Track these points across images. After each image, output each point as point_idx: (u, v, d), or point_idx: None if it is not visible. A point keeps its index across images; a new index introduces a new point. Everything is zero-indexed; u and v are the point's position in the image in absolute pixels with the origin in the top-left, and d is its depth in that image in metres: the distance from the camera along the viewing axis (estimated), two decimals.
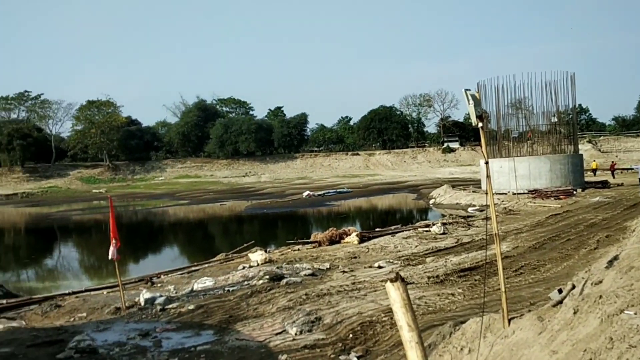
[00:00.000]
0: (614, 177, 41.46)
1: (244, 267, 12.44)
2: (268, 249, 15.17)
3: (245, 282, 10.74)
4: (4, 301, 11.17)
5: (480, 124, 5.55)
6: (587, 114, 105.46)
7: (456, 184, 48.92)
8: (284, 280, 10.36)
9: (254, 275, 11.04)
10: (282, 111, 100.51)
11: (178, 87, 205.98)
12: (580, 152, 36.04)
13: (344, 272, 11.29)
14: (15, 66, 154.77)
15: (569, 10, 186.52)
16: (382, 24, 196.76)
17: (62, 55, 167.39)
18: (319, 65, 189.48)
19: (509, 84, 32.32)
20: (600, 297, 4.69)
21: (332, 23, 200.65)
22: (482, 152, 5.50)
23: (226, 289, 10.43)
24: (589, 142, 79.19)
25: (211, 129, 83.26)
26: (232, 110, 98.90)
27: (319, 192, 44.61)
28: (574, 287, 8.63)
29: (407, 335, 3.01)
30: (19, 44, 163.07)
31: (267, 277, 10.47)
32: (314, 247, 14.76)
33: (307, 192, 43.86)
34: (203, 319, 8.95)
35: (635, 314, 3.80)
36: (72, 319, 9.87)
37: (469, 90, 5.42)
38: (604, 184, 34.04)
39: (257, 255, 13.12)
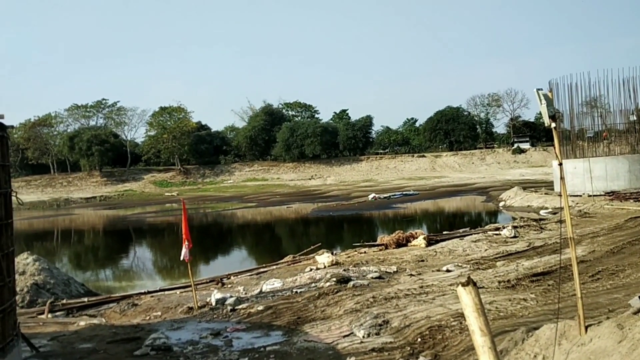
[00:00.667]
0: None
1: (311, 269, 12.57)
2: (334, 252, 15.25)
3: (313, 284, 10.84)
4: (86, 299, 11.80)
5: (553, 124, 5.38)
6: None
7: (527, 185, 47.38)
8: (351, 283, 10.38)
9: (321, 277, 11.13)
10: (347, 114, 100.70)
11: (246, 92, 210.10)
12: None
13: (411, 275, 11.19)
14: (94, 76, 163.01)
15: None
16: (447, 24, 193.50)
17: (135, 63, 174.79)
18: (384, 67, 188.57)
19: (583, 82, 31.01)
20: None
21: (395, 25, 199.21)
22: (555, 153, 5.32)
23: (294, 290, 10.56)
24: None
25: (277, 132, 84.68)
26: (298, 114, 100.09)
27: (385, 195, 44.36)
28: None
29: (480, 340, 2.97)
30: (97, 55, 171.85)
31: (334, 279, 10.53)
32: (380, 250, 14.70)
33: (372, 195, 43.73)
34: (272, 320, 9.12)
35: None
36: (147, 318, 10.29)
37: (541, 89, 5.27)
38: None
39: (323, 258, 13.22)
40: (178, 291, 12.23)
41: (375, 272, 11.54)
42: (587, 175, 29.78)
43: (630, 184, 29.22)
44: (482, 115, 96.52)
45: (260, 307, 9.69)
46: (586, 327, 5.52)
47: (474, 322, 3.02)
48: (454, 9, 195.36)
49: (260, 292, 10.97)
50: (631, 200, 25.29)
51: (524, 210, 29.70)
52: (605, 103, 34.54)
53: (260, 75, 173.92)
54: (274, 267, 13.73)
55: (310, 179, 76.08)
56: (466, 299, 3.01)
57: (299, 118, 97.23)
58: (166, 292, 12.19)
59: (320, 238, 25.42)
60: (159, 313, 10.46)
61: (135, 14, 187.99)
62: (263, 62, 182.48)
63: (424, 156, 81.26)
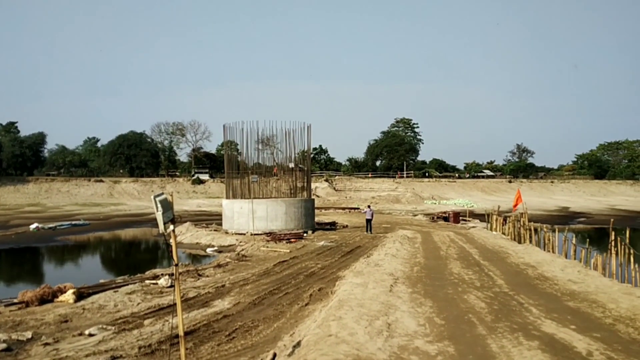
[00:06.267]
0: None
1: None
2: None
3: None
4: None
5: (171, 227, 5.59)
6: (326, 154, 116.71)
7: (202, 217, 49.41)
8: None
9: None
10: (16, 127, 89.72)
11: None
12: (313, 195, 39.46)
13: (45, 344, 10.27)
14: None
15: (311, 54, 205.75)
16: (138, 46, 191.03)
17: None
18: (65, 80, 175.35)
19: (252, 128, 33.98)
20: None
21: (79, 36, 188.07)
22: (172, 257, 5.52)
23: None
24: (326, 180, 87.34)
25: None
26: None
27: (50, 225, 40.48)
28: (274, 356, 9.22)
29: None
30: None
31: None
32: (19, 309, 13.15)
33: (35, 225, 39.38)
34: None
35: None
36: None
37: (159, 196, 5.44)
38: (332, 226, 37.66)
39: None
40: None
41: (3, 342, 10.27)
42: (251, 215, 32.50)
43: (286, 225, 32.86)
44: (166, 142, 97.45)
45: None
46: None
47: None
48: (140, 35, 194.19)
49: None
50: (284, 242, 28.42)
51: (194, 247, 30.60)
52: (276, 142, 38.58)
53: None
54: None
55: None
56: None
57: None
58: None
59: None
60: None
61: None
62: None
63: (102, 181, 77.31)
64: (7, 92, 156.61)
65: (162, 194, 5.50)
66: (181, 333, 5.57)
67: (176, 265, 5.58)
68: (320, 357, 6.05)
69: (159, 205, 5.33)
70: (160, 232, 5.34)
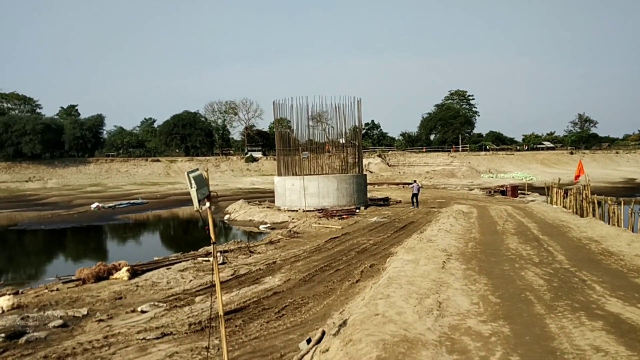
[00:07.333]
0: None
1: None
2: (21, 290, 13.54)
3: None
4: None
5: (207, 204, 5.39)
6: (379, 129, 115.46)
7: (256, 195, 49.79)
8: (24, 337, 9.23)
9: None
10: (77, 110, 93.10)
11: None
12: (366, 171, 39.05)
13: (100, 320, 10.44)
14: None
15: (369, 29, 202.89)
16: (190, 26, 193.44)
17: None
18: (121, 62, 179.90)
19: (303, 105, 33.73)
20: None
21: (134, 19, 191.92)
22: (210, 234, 5.33)
23: None
24: (379, 155, 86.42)
25: None
26: (15, 107, 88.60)
27: (110, 204, 41.81)
28: (323, 334, 9.03)
29: None
30: None
31: (3, 334, 9.24)
32: (76, 286, 13.50)
33: (95, 204, 40.81)
34: None
35: None
36: None
37: (193, 172, 5.22)
38: (385, 201, 37.19)
39: (2, 301, 11.59)
40: None
41: (60, 317, 10.51)
42: (303, 192, 32.38)
43: (338, 201, 32.64)
44: (220, 121, 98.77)
45: None
46: None
47: None
48: (195, 13, 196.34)
49: None
50: (336, 218, 28.21)
51: (247, 224, 30.90)
52: (328, 119, 38.29)
53: None
54: None
55: (27, 182, 67.98)
56: None
57: (17, 112, 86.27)
58: None
59: (21, 262, 22.72)
60: None
61: None
62: None
63: (158, 160, 79.31)
64: (67, 75, 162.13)
65: (197, 169, 5.29)
66: (221, 313, 5.41)
67: (213, 243, 5.39)
68: (365, 337, 5.77)
69: (192, 181, 5.11)
70: (195, 209, 5.14)
